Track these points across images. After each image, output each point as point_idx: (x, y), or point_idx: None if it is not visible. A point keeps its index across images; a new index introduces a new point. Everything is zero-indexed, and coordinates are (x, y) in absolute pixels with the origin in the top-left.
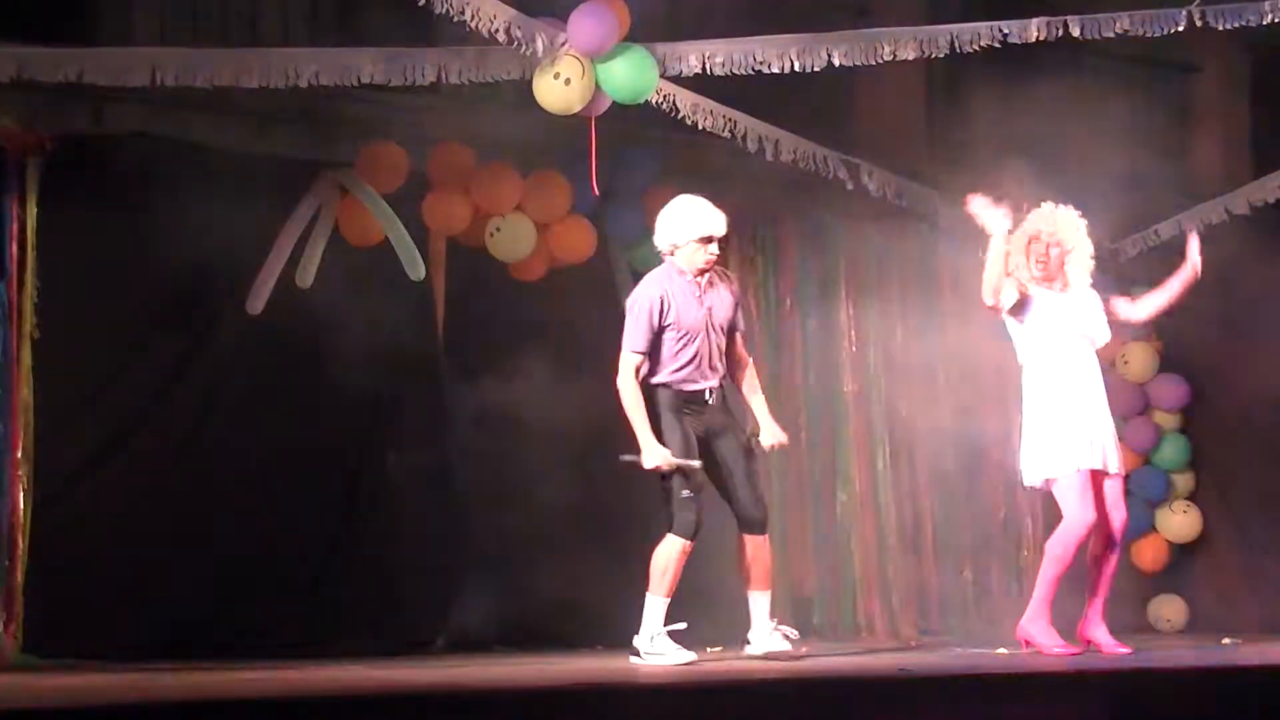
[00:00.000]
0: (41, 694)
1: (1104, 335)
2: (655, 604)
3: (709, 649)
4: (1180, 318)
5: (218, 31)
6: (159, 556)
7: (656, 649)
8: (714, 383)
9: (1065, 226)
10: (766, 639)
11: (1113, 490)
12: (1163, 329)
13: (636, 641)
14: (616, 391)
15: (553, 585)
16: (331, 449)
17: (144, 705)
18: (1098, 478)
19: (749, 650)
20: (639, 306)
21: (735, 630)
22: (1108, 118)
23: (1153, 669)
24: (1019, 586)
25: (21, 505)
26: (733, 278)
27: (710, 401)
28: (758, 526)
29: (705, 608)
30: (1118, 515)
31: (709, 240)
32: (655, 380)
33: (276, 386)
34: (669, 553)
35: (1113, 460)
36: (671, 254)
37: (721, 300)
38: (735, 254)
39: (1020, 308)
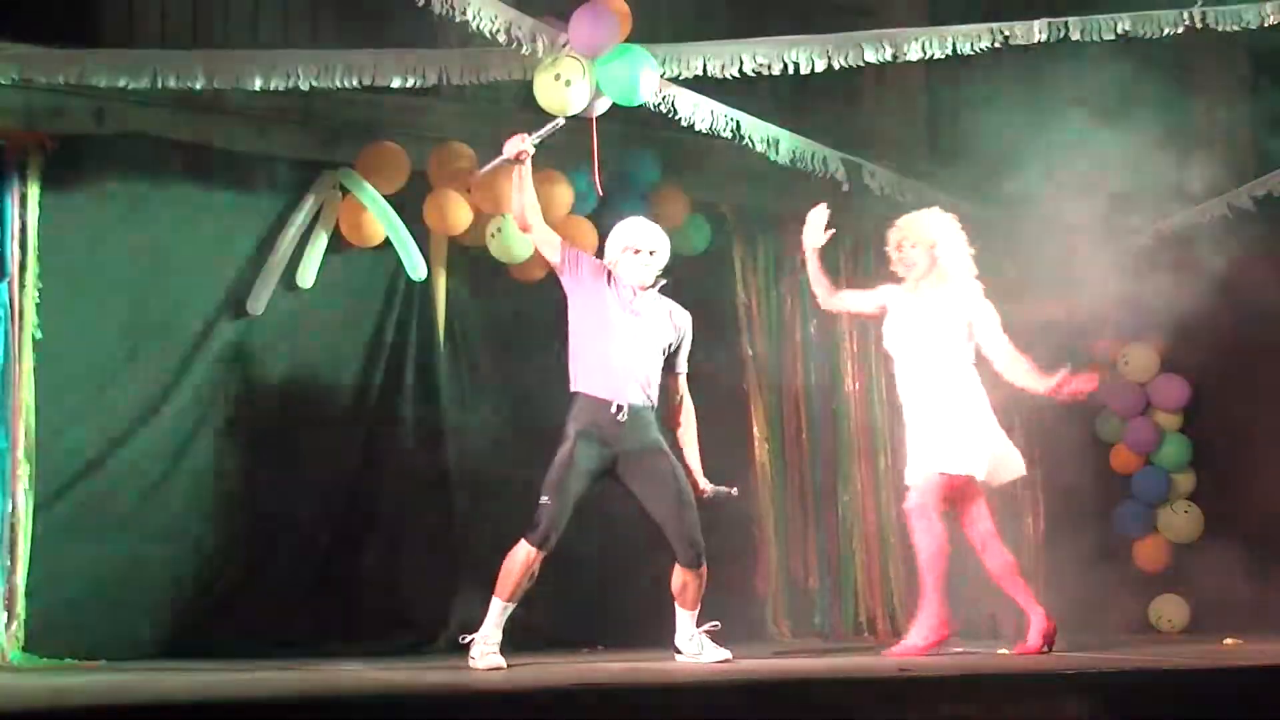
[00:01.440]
0: (42, 694)
1: (957, 347)
2: (496, 606)
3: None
4: (1181, 317)
5: (218, 32)
6: (159, 557)
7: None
8: (631, 401)
9: (922, 228)
10: (706, 647)
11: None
12: (1163, 329)
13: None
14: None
15: (553, 586)
16: (331, 449)
17: (144, 706)
18: (956, 482)
19: (702, 658)
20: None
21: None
22: (1109, 117)
23: (1153, 669)
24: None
25: (23, 505)
26: (685, 318)
27: (619, 419)
28: (687, 563)
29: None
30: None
31: (637, 252)
32: (574, 387)
33: (277, 387)
34: (515, 556)
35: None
36: (613, 268)
37: (660, 326)
38: (736, 254)
39: (886, 312)
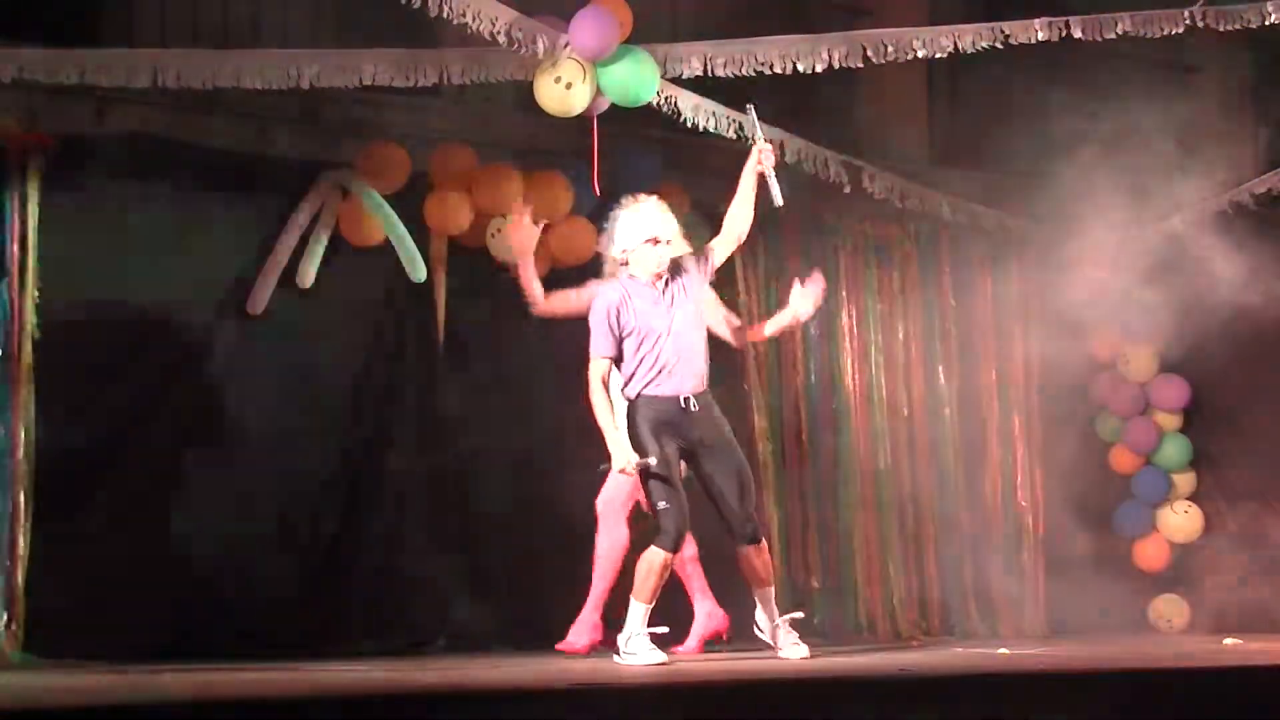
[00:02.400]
0: (42, 694)
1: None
2: (636, 608)
3: (708, 649)
4: (1181, 317)
5: (219, 32)
6: (160, 556)
7: (631, 649)
8: (690, 390)
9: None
10: (784, 641)
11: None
12: (1163, 329)
13: (619, 640)
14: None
15: (554, 586)
16: (331, 450)
17: (145, 705)
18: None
19: (780, 652)
20: (597, 314)
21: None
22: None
23: (1154, 669)
24: (1020, 587)
25: (22, 505)
26: (689, 257)
27: (689, 410)
28: (748, 539)
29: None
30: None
31: (657, 242)
32: (627, 392)
33: (277, 387)
34: (649, 562)
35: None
36: (625, 263)
37: (686, 296)
38: (736, 254)
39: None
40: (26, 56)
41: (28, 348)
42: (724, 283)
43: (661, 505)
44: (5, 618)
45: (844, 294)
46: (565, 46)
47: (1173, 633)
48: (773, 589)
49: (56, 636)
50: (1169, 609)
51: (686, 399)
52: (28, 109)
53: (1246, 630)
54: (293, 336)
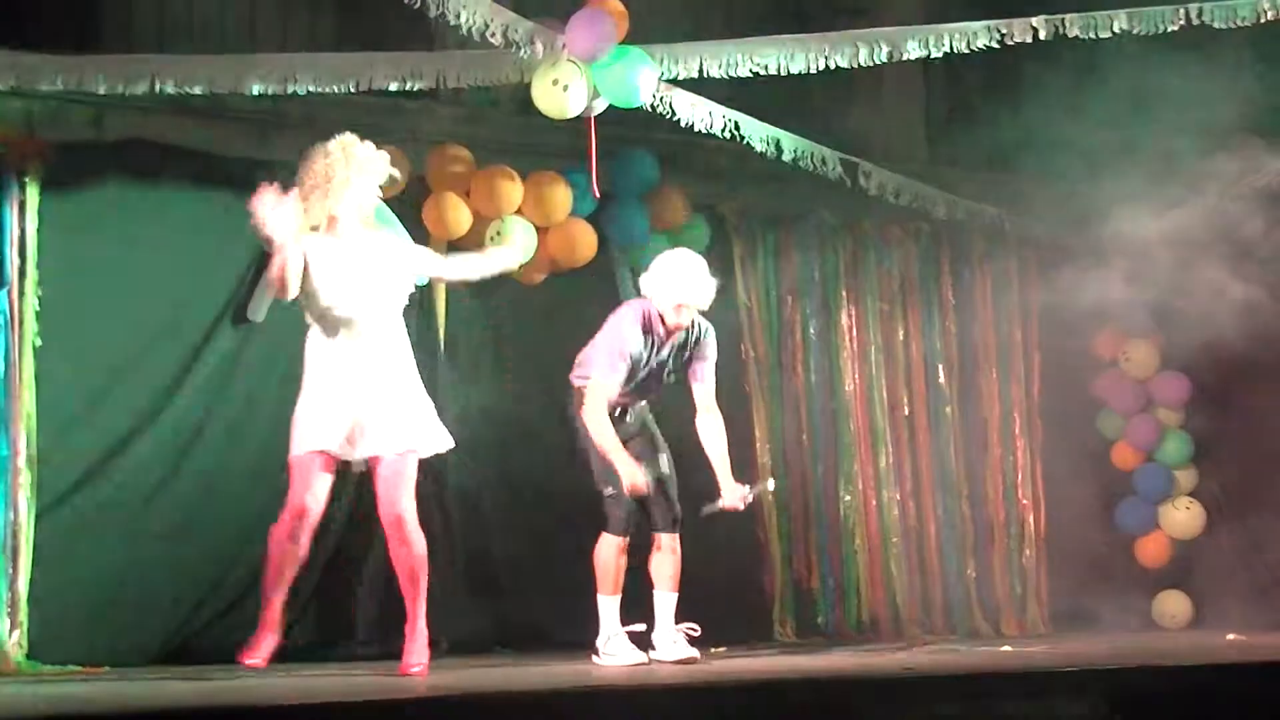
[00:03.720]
0: (46, 701)
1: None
2: (605, 604)
3: (713, 649)
4: (1181, 314)
5: (216, 38)
6: (162, 563)
7: (610, 650)
8: (635, 402)
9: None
10: (669, 645)
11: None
12: (1164, 325)
13: (598, 641)
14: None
15: (555, 588)
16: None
17: (147, 712)
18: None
19: (653, 655)
20: (616, 341)
21: (739, 629)
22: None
23: (1156, 666)
24: (1022, 585)
25: (25, 512)
26: (709, 346)
27: (619, 418)
28: (670, 525)
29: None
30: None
31: (683, 307)
32: (578, 382)
33: (277, 392)
34: (601, 552)
35: (364, 445)
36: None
37: (673, 353)
38: (736, 254)
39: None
40: (24, 63)
41: (28, 355)
42: (724, 283)
43: (608, 492)
44: (9, 625)
45: (844, 294)
46: (562, 47)
47: (1175, 629)
48: (674, 597)
49: (60, 643)
50: (1171, 606)
51: (621, 409)
52: (26, 116)
53: (1249, 627)
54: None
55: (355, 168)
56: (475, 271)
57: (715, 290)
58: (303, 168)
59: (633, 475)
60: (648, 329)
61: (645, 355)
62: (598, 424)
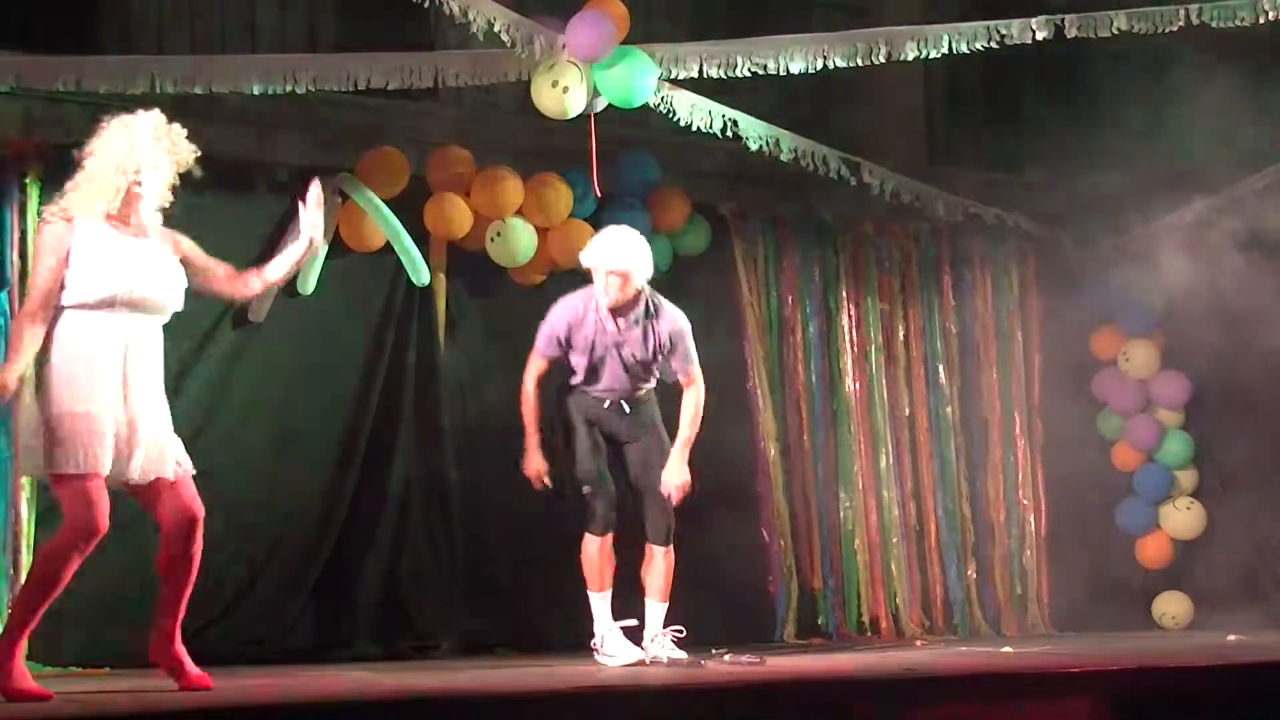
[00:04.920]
0: (47, 703)
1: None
2: (595, 601)
3: (713, 650)
4: (1181, 314)
5: (216, 38)
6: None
7: (609, 650)
8: (622, 395)
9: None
10: (658, 651)
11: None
12: (1164, 325)
13: (594, 641)
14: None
15: (556, 588)
16: (333, 454)
17: (148, 713)
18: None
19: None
20: (547, 321)
21: (739, 630)
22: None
23: (1157, 666)
24: (1022, 585)
25: (25, 514)
26: (667, 322)
27: (609, 408)
28: (660, 538)
29: (708, 607)
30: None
31: (611, 274)
32: (571, 382)
33: (278, 393)
34: (586, 551)
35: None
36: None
37: (635, 339)
38: (736, 254)
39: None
40: (24, 64)
41: None
42: (724, 283)
43: (586, 490)
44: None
45: (844, 294)
46: (563, 47)
47: (1177, 630)
48: (664, 607)
49: (62, 644)
50: (1172, 606)
51: (609, 400)
52: (26, 116)
53: (1250, 628)
54: (293, 341)
55: (166, 149)
56: (274, 276)
57: (631, 256)
58: (96, 139)
59: (535, 464)
60: (587, 306)
61: (590, 332)
62: (523, 398)
